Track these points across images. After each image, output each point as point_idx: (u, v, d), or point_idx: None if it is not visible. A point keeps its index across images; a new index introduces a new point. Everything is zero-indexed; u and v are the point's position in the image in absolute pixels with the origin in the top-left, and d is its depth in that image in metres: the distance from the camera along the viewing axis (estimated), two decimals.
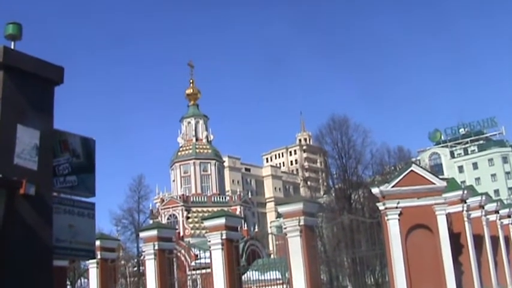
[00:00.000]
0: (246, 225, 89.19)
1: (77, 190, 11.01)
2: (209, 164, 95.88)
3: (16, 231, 9.29)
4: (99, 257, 37.09)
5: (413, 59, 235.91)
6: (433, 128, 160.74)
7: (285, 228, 31.45)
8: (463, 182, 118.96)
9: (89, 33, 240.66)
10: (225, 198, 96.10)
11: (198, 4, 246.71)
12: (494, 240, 37.91)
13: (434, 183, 29.93)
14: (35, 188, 9.62)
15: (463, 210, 32.92)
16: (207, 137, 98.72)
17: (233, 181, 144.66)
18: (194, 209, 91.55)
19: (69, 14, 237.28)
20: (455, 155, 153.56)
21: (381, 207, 30.02)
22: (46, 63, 10.85)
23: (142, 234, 40.04)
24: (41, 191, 9.80)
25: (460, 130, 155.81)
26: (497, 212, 39.87)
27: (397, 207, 29.27)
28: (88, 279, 42.11)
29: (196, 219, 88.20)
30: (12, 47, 10.54)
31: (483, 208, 36.81)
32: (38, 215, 9.81)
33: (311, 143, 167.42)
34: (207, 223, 35.97)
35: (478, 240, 34.58)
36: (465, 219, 32.81)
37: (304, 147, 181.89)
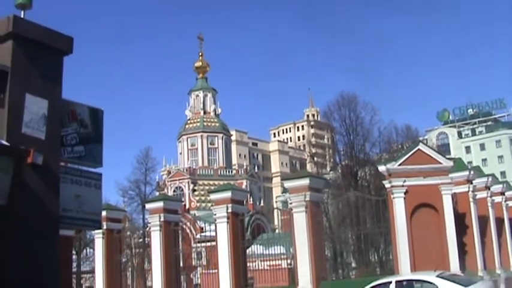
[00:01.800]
0: (251, 199, 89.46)
1: (84, 160, 11.04)
2: (216, 138, 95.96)
3: (23, 200, 9.34)
4: (105, 227, 37.29)
5: (423, 39, 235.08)
6: (441, 108, 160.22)
7: (291, 203, 31.51)
8: (470, 162, 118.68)
9: (99, 3, 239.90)
10: (232, 171, 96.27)
11: None
12: (499, 221, 37.95)
13: (440, 163, 29.90)
14: (42, 158, 9.65)
15: (468, 191, 32.90)
16: (215, 110, 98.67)
17: (240, 155, 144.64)
18: (200, 182, 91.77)
19: None
20: (463, 136, 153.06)
21: (387, 185, 30.04)
22: (55, 32, 10.84)
23: (148, 206, 40.20)
24: (48, 161, 9.84)
25: (469, 111, 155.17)
26: (503, 193, 39.86)
27: (403, 186, 29.28)
28: (94, 249, 42.37)
29: (202, 192, 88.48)
30: (22, 16, 10.53)
31: (489, 189, 36.78)
32: (45, 184, 9.86)
33: (319, 119, 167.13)
34: (213, 196, 36.06)
35: (483, 221, 34.62)
36: (470, 199, 32.80)
37: (312, 123, 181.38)
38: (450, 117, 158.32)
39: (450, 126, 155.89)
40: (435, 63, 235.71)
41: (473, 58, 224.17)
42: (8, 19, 10.18)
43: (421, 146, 31.01)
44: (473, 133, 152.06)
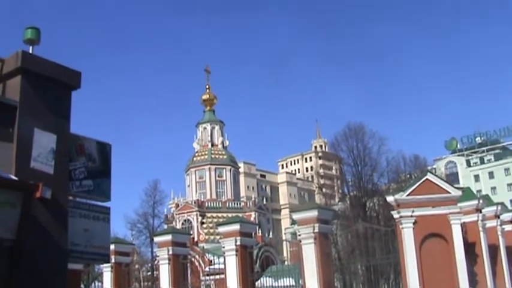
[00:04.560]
0: (260, 231, 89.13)
1: (92, 194, 11.07)
2: (224, 170, 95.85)
3: (32, 234, 9.36)
4: (113, 261, 37.23)
5: (429, 66, 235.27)
6: (449, 137, 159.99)
7: (299, 235, 31.47)
8: (479, 191, 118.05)
9: (106, 37, 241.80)
10: (240, 204, 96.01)
11: (211, 10, 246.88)
12: (510, 250, 37.70)
13: (449, 192, 29.84)
14: (51, 192, 9.68)
15: (478, 220, 32.78)
16: (222, 142, 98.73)
17: (248, 187, 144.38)
18: (209, 215, 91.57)
19: (87, 18, 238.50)
20: (472, 164, 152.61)
21: (396, 216, 29.97)
22: (64, 67, 10.93)
23: (156, 239, 40.18)
24: (57, 195, 9.86)
25: (477, 139, 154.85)
26: None
27: (411, 216, 29.21)
28: (102, 283, 42.25)
29: (210, 225, 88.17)
30: (30, 51, 10.64)
31: (499, 218, 36.59)
32: (54, 218, 9.88)
33: (327, 149, 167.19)
34: (221, 229, 36.04)
35: (493, 250, 34.40)
36: (480, 229, 32.66)
37: (320, 154, 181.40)
38: (458, 145, 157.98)
39: (458, 155, 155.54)
40: (442, 91, 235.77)
41: (480, 86, 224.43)
42: (16, 55, 10.29)
43: (429, 176, 30.97)
44: (482, 161, 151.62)
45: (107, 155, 11.44)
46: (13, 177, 9.39)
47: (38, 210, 9.57)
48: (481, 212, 33.27)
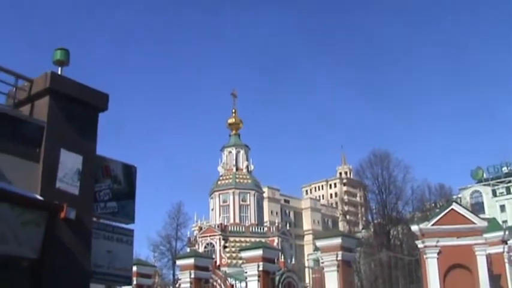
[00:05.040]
0: (283, 257, 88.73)
1: (117, 216, 11.10)
2: (248, 194, 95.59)
3: (55, 254, 9.38)
4: (135, 282, 37.19)
5: (455, 95, 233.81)
6: (475, 166, 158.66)
7: (323, 262, 31.29)
8: (505, 221, 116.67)
9: (133, 60, 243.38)
10: (263, 229, 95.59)
11: (237, 34, 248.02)
12: None
13: (474, 223, 29.54)
14: (75, 213, 9.71)
15: (503, 252, 32.35)
16: (247, 167, 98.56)
17: (272, 212, 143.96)
18: (232, 239, 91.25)
19: (116, 42, 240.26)
20: (497, 194, 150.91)
21: (420, 245, 29.70)
22: (91, 89, 11.01)
23: (179, 262, 40.13)
24: (81, 216, 9.90)
25: (503, 168, 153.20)
26: None
27: (436, 246, 28.93)
28: None
29: (233, 249, 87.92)
30: (59, 73, 10.73)
31: None
32: (78, 239, 9.90)
33: (351, 176, 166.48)
34: (244, 254, 35.95)
35: None
36: (506, 260, 32.23)
37: (345, 181, 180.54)
38: (484, 175, 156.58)
39: (484, 185, 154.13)
40: (469, 119, 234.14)
41: (507, 115, 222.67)
42: (45, 75, 10.39)
43: (454, 206, 30.70)
44: (508, 191, 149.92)
45: (132, 177, 11.48)
46: (38, 197, 9.43)
47: (62, 230, 9.61)
48: (506, 243, 32.83)
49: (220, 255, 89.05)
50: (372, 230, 76.61)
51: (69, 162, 10.16)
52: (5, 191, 8.81)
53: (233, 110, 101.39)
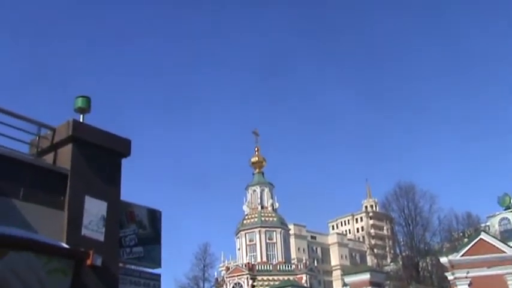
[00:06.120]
0: None
1: (143, 261, 11.09)
2: (275, 232, 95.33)
3: None
4: None
5: (475, 119, 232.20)
6: (502, 192, 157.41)
7: None
8: None
9: (154, 101, 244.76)
10: (291, 266, 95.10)
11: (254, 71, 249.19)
12: None
13: (505, 252, 29.25)
14: (101, 259, 9.72)
15: None
16: (272, 204, 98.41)
17: (299, 249, 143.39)
18: (260, 278, 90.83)
19: (134, 84, 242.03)
20: None
21: (450, 277, 29.47)
22: (114, 135, 11.09)
23: None
24: (107, 262, 9.89)
25: None
26: None
27: (466, 277, 28.65)
28: None
29: None
30: (81, 120, 10.82)
31: None
32: (105, 286, 9.89)
33: (377, 209, 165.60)
34: None
35: None
36: None
37: (371, 214, 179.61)
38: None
39: None
40: (493, 145, 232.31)
41: None
42: (68, 123, 10.48)
43: (483, 236, 30.46)
44: None
45: (157, 222, 11.49)
46: (64, 245, 9.46)
47: (89, 277, 9.60)
48: None
49: None
50: (401, 262, 76.06)
51: (94, 209, 10.20)
52: (30, 240, 8.84)
53: (256, 149, 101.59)
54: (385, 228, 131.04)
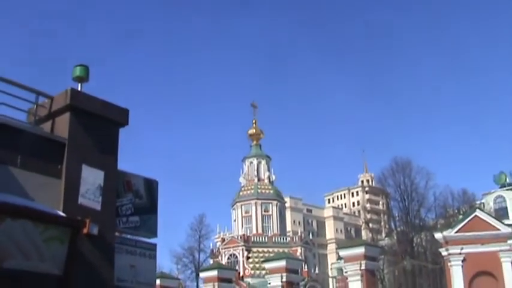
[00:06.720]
0: (306, 266, 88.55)
1: (139, 231, 11.13)
2: (271, 204, 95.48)
3: (78, 270, 9.41)
4: None
5: (473, 99, 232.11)
6: (498, 171, 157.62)
7: (346, 271, 31.23)
8: None
9: (151, 72, 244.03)
10: (286, 239, 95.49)
11: (253, 44, 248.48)
12: None
13: (499, 229, 29.37)
14: (98, 228, 9.76)
15: None
16: (269, 177, 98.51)
17: (294, 222, 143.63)
18: (255, 249, 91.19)
19: (133, 55, 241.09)
20: None
21: (444, 253, 29.58)
22: (111, 104, 11.08)
23: (202, 274, 40.29)
24: (104, 231, 9.94)
25: None
26: None
27: (460, 253, 28.79)
28: None
29: (256, 260, 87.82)
30: (79, 89, 10.80)
31: None
32: (101, 254, 9.94)
33: (373, 184, 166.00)
34: (267, 265, 35.96)
35: None
36: None
37: (367, 189, 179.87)
38: (507, 179, 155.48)
39: (508, 189, 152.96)
40: (491, 124, 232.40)
41: None
42: (65, 92, 10.47)
43: (478, 213, 30.55)
44: None
45: (154, 192, 11.51)
46: (61, 213, 9.49)
47: (85, 246, 9.65)
48: None
49: (244, 266, 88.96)
50: (395, 237, 76.31)
51: (91, 178, 10.22)
52: (27, 208, 8.87)
53: (253, 121, 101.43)
54: (380, 203, 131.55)
